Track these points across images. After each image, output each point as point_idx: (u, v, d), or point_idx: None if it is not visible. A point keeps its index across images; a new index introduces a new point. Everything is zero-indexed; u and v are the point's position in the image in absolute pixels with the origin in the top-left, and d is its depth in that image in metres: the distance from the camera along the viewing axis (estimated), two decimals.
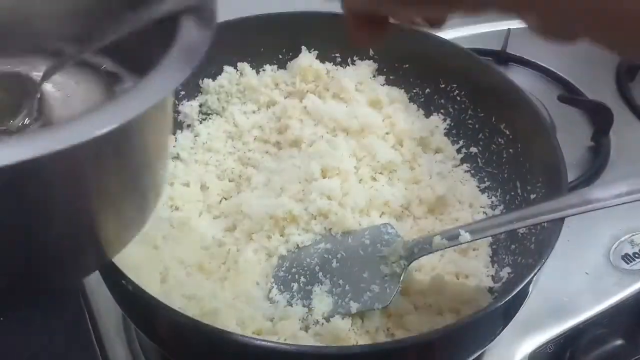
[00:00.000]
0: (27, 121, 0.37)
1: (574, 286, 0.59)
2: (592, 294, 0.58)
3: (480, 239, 0.48)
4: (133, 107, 0.28)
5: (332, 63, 0.66)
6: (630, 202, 0.44)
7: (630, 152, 0.72)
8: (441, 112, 0.64)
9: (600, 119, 0.73)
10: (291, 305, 0.50)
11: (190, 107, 0.63)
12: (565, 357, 0.56)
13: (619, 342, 0.55)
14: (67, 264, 0.35)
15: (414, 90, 0.65)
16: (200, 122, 0.63)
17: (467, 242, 0.48)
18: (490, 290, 0.50)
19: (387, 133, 0.62)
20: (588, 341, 0.56)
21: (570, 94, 0.78)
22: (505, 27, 0.85)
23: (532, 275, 0.41)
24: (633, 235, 0.63)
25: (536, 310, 0.56)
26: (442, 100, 0.64)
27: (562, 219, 0.44)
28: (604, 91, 0.80)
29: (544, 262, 0.41)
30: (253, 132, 0.63)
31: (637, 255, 0.61)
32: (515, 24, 0.86)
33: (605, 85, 0.82)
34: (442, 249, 0.49)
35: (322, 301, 0.49)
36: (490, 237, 0.54)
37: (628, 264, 0.61)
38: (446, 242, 0.48)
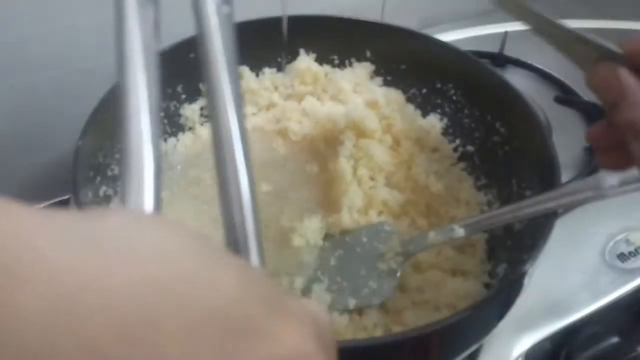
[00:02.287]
0: None
1: (570, 285, 0.59)
2: (588, 293, 0.58)
3: (474, 233, 0.49)
4: None
5: (330, 65, 0.67)
6: (625, 193, 0.44)
7: None
8: (438, 112, 0.65)
9: (596, 120, 0.74)
10: None
11: (191, 110, 0.64)
12: (562, 355, 0.56)
13: (614, 339, 0.56)
14: None
15: (411, 91, 0.66)
16: (202, 125, 0.64)
17: (461, 237, 0.48)
18: (487, 285, 0.51)
19: (384, 133, 0.63)
20: (584, 339, 0.56)
21: (566, 95, 0.78)
22: (503, 30, 0.86)
23: (526, 265, 0.42)
24: (628, 234, 0.63)
25: (533, 308, 0.56)
26: (439, 100, 0.65)
27: (554, 212, 0.44)
28: None
29: (538, 255, 0.42)
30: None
31: (632, 254, 0.61)
32: (512, 26, 0.87)
33: None
34: (437, 244, 0.49)
35: (320, 299, 0.50)
36: (486, 234, 0.55)
37: (623, 262, 0.61)
38: (441, 238, 0.49)
